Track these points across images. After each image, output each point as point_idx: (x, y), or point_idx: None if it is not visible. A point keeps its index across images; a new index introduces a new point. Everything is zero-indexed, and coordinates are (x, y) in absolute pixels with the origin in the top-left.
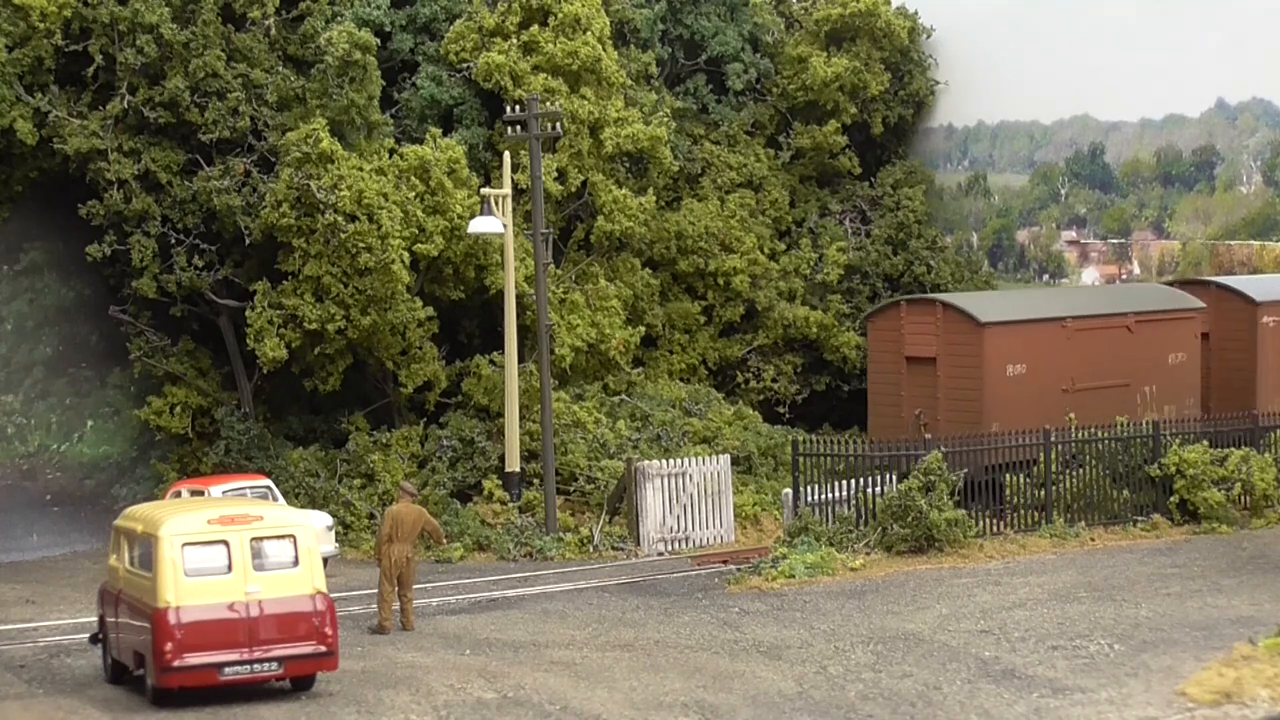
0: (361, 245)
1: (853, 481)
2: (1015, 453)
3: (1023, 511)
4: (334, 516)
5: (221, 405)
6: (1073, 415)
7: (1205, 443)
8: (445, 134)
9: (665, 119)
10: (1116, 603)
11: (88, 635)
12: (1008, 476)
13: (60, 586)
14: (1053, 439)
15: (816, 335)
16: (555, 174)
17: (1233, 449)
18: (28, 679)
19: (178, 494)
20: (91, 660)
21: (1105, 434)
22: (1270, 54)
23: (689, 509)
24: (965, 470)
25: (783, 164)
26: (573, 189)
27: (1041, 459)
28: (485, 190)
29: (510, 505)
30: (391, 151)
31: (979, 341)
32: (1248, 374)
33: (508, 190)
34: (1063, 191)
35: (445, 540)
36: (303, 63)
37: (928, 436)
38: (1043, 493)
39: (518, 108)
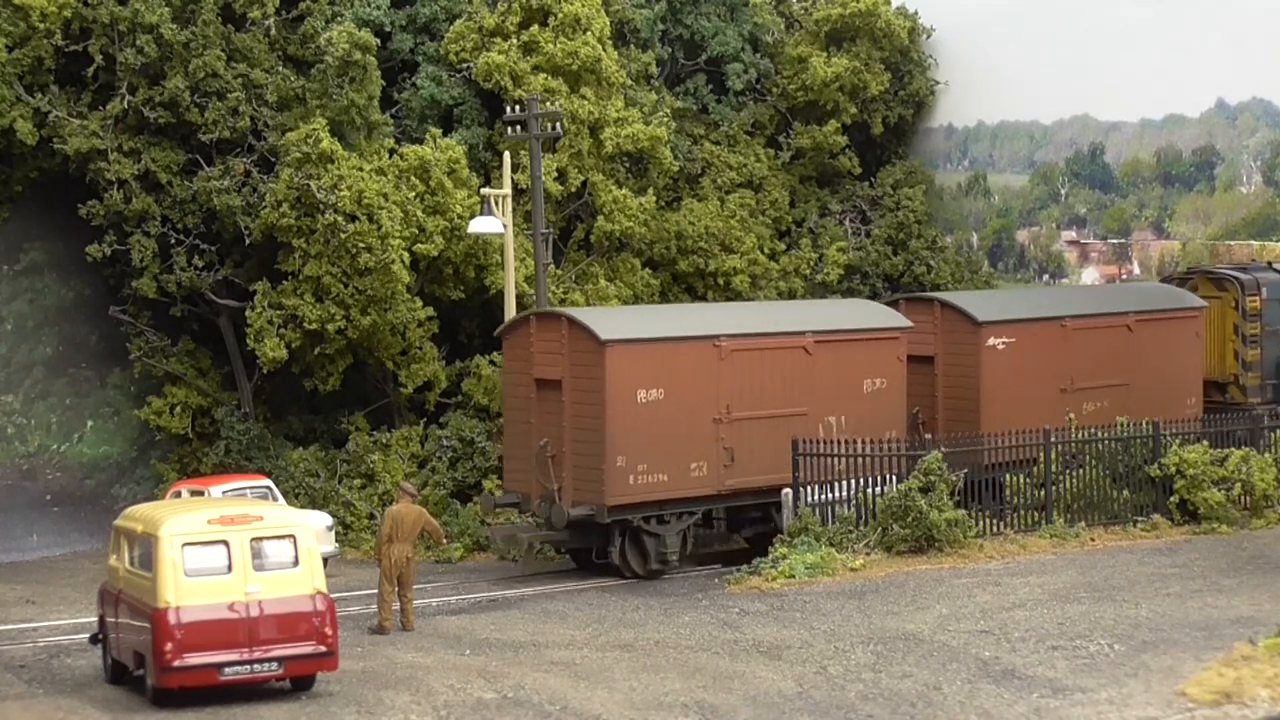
0: (361, 245)
1: (853, 481)
2: (1012, 454)
3: (1023, 512)
4: (334, 516)
5: (221, 405)
6: (731, 447)
7: (1205, 443)
8: (445, 134)
9: (665, 119)
10: (1116, 603)
11: (88, 635)
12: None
13: (60, 586)
14: (1053, 439)
15: None
16: (555, 174)
17: (1233, 449)
18: (28, 679)
19: (178, 494)
20: (91, 660)
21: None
22: (1270, 54)
23: None
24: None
25: (783, 164)
26: (573, 189)
27: (1041, 459)
28: (485, 190)
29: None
30: (391, 151)
31: (601, 361)
32: (971, 401)
33: (508, 190)
34: (1063, 191)
35: (445, 540)
36: (303, 63)
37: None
38: (1043, 493)
39: (518, 108)
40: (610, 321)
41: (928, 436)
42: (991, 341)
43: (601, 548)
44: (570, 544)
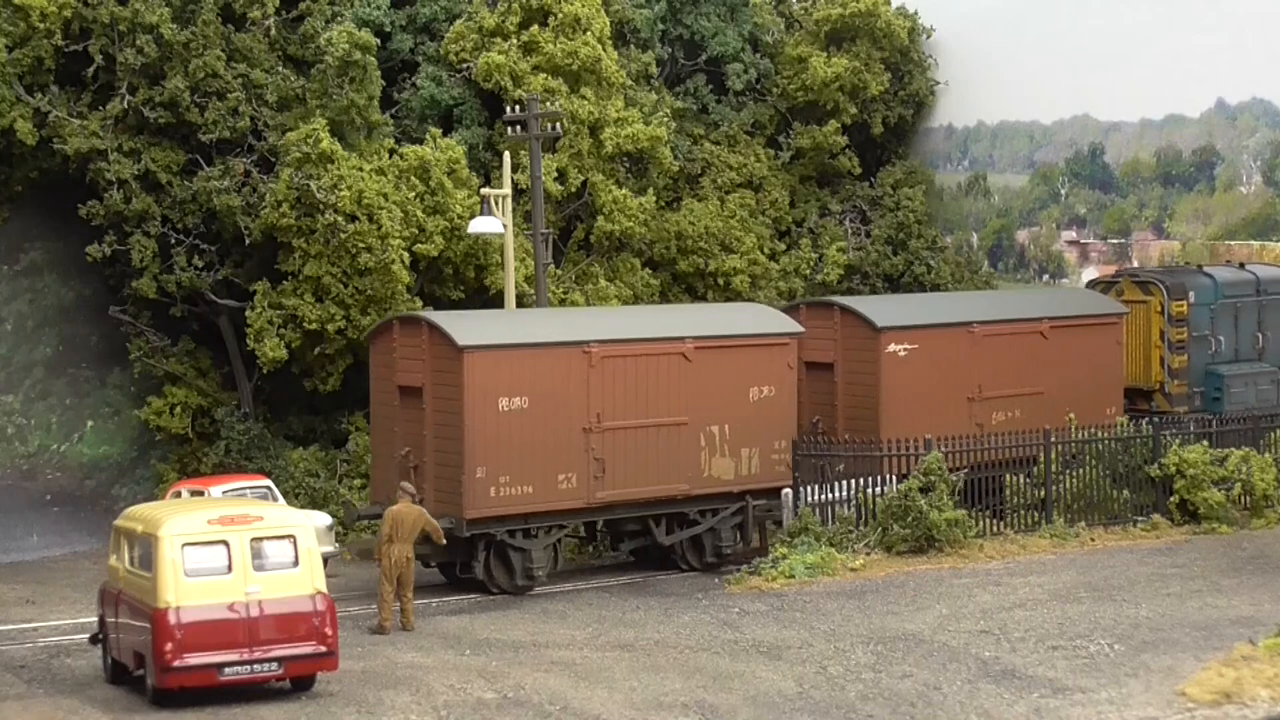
0: (361, 245)
1: (854, 481)
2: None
3: (1023, 512)
4: (334, 517)
5: (221, 405)
6: (603, 458)
7: (1206, 443)
8: (445, 134)
9: (665, 119)
10: (1116, 603)
11: (88, 635)
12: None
13: (60, 586)
14: (1053, 439)
15: None
16: (555, 174)
17: (1233, 449)
18: (28, 679)
19: (178, 494)
20: (91, 660)
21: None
22: (1270, 54)
23: None
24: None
25: (783, 164)
26: (573, 189)
27: (1042, 459)
28: (485, 190)
29: None
30: (391, 152)
31: (459, 368)
32: (871, 409)
33: (508, 190)
34: (1063, 191)
35: (445, 540)
36: (303, 63)
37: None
38: (1043, 493)
39: (518, 108)
40: (471, 326)
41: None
42: (892, 348)
43: (465, 562)
44: (435, 558)
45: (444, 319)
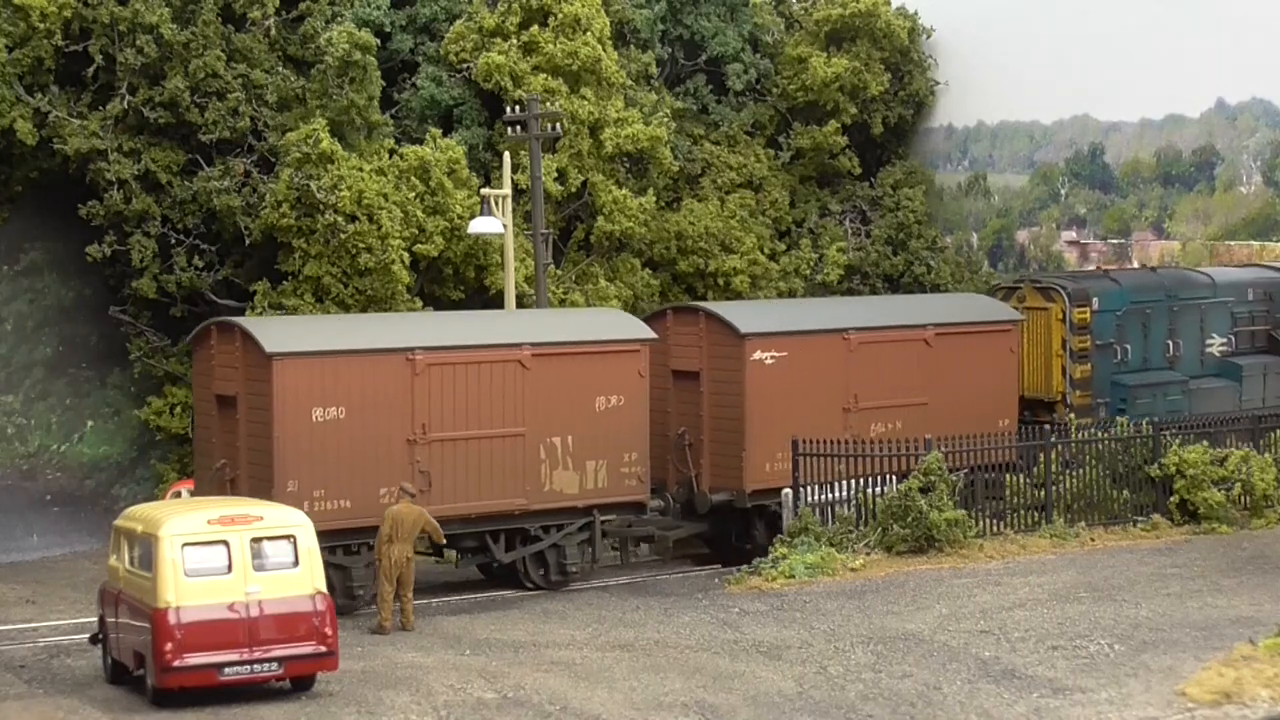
0: (361, 245)
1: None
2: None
3: (1023, 512)
4: None
5: None
6: (428, 471)
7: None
8: (445, 134)
9: (665, 119)
10: (1116, 603)
11: (88, 635)
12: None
13: (60, 586)
14: (1053, 439)
15: None
16: (555, 174)
17: (1233, 449)
18: (28, 679)
19: (178, 494)
20: (91, 660)
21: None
22: (1270, 54)
23: None
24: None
25: (783, 164)
26: (573, 189)
27: (1041, 459)
28: (485, 190)
29: None
30: (391, 152)
31: (268, 376)
32: (736, 420)
33: (508, 190)
34: (1063, 191)
35: (445, 540)
36: (303, 63)
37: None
38: (1043, 493)
39: (518, 108)
40: (284, 333)
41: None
42: (758, 355)
43: None
44: None
45: (256, 324)
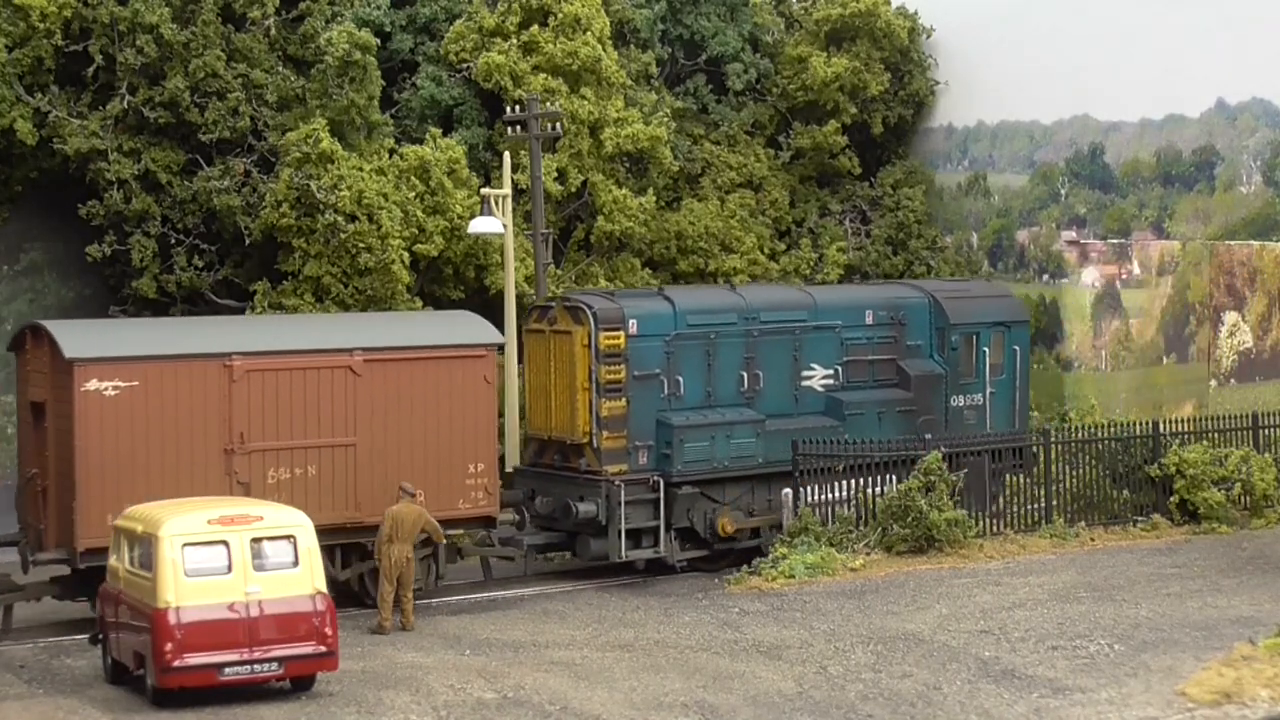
0: (361, 245)
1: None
2: None
3: (1022, 512)
4: None
5: None
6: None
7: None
8: (445, 134)
9: (665, 119)
10: (1116, 603)
11: (88, 635)
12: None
13: None
14: (1053, 439)
15: None
16: (555, 174)
17: (1233, 449)
18: (28, 679)
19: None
20: (91, 660)
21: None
22: (1270, 54)
23: None
24: None
25: (783, 164)
26: (573, 189)
27: (1042, 458)
28: (485, 190)
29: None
30: (391, 152)
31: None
32: (69, 464)
33: (508, 190)
34: (1063, 191)
35: (445, 540)
36: (303, 63)
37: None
38: (1043, 493)
39: (518, 108)
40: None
41: None
42: (94, 384)
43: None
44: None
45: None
